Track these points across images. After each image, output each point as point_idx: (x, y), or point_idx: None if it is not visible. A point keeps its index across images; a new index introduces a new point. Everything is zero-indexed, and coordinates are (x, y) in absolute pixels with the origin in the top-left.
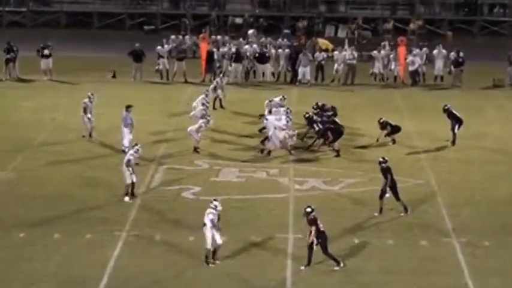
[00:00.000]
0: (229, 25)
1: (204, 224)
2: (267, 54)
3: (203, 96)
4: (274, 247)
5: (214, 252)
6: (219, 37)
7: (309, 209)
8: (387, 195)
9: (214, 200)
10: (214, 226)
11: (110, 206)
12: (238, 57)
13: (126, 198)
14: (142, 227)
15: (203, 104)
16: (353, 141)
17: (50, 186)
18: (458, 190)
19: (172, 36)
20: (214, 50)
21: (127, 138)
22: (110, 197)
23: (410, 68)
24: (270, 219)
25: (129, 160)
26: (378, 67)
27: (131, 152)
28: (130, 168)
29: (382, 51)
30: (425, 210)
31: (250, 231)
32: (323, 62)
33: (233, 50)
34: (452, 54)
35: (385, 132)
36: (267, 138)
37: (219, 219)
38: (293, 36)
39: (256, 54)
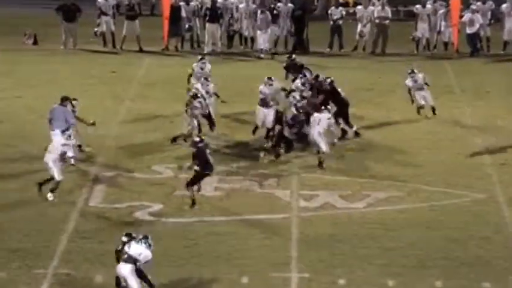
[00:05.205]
0: None
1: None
2: (274, 12)
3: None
4: None
5: None
6: None
7: None
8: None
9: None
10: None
11: (30, 231)
12: (214, 14)
13: (49, 195)
14: (77, 262)
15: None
16: (385, 136)
17: None
18: None
19: None
20: (182, 3)
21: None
22: (31, 217)
23: (468, 31)
24: (264, 251)
25: (65, 152)
26: (422, 29)
27: (62, 141)
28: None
29: (428, 6)
30: (489, 238)
31: (235, 269)
32: (341, 21)
33: (207, 4)
34: None
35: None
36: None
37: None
38: None
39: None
